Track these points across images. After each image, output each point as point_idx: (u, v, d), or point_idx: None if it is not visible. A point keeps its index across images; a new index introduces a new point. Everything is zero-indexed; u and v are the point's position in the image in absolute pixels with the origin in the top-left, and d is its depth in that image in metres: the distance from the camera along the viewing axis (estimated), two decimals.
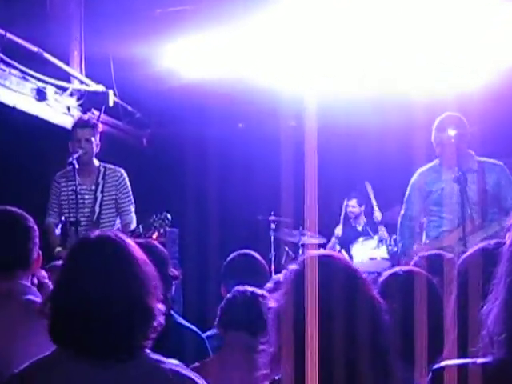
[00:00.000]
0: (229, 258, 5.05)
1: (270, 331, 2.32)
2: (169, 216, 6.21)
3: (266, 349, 2.33)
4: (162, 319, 2.45)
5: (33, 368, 2.42)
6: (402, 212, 6.84)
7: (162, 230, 6.24)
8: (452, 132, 6.43)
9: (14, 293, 3.21)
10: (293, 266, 2.34)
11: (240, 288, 3.88)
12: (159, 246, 4.38)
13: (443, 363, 1.74)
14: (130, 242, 2.51)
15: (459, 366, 1.66)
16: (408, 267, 3.11)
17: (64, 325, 2.39)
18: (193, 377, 2.43)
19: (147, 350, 2.43)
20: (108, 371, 2.34)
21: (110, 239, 2.49)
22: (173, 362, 2.44)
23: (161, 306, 2.45)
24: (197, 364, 3.63)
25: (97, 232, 2.60)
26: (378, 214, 9.79)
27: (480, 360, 1.62)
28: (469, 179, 6.37)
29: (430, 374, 1.79)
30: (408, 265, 3.76)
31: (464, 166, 6.41)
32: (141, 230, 6.28)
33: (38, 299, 3.21)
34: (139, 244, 3.81)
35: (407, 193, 6.81)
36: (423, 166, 6.75)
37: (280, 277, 4.32)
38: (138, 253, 2.49)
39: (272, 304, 2.33)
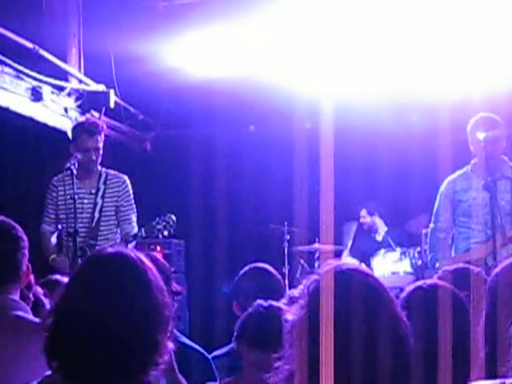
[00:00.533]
0: (241, 273, 5.03)
1: (286, 346, 2.30)
2: (173, 217, 6.19)
3: (281, 366, 2.31)
4: (167, 357, 2.41)
5: None
6: (432, 225, 6.74)
7: (165, 233, 6.22)
8: (481, 135, 6.29)
9: (3, 309, 3.18)
10: (313, 277, 2.32)
11: (263, 302, 3.80)
12: (160, 258, 4.38)
13: None
14: (148, 264, 2.45)
15: None
16: (433, 280, 3.10)
17: (60, 343, 2.35)
18: None
19: None
20: None
21: (126, 258, 2.43)
22: None
23: (170, 344, 2.40)
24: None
25: (113, 248, 2.54)
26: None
27: (509, 380, 1.61)
28: (500, 187, 6.27)
29: None
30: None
31: (496, 173, 6.30)
32: (143, 233, 6.29)
33: (28, 315, 3.19)
34: None
35: (436, 204, 6.71)
36: (452, 174, 6.66)
37: (295, 292, 4.30)
38: (155, 277, 2.42)
39: (289, 317, 2.31)
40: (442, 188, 6.66)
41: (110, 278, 2.39)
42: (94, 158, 6.49)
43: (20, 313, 3.17)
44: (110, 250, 2.49)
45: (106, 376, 2.31)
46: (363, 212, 9.99)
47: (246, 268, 5.02)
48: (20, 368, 2.85)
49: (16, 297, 3.28)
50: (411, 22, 8.24)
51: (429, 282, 2.96)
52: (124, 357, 2.31)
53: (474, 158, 6.51)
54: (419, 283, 2.85)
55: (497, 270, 2.50)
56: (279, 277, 5.04)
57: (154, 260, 4.07)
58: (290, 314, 2.31)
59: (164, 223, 6.16)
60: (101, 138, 6.59)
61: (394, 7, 8.07)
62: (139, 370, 2.34)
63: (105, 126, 6.95)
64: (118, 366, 2.31)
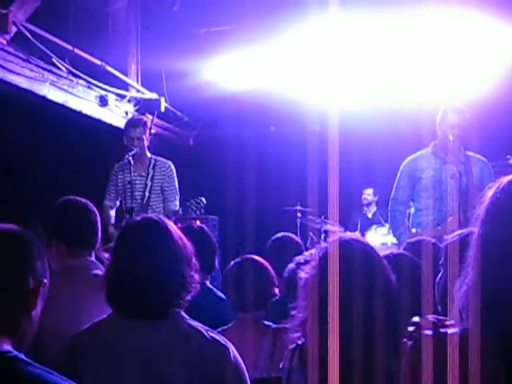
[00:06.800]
0: (272, 239, 5.04)
1: (300, 299, 2.35)
2: (203, 200, 6.15)
3: (296, 314, 2.36)
4: (197, 286, 2.50)
5: (92, 327, 2.53)
6: (392, 198, 6.00)
7: (197, 212, 6.21)
8: (451, 118, 5.73)
9: (84, 268, 3.27)
10: (323, 244, 2.37)
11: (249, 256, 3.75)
12: (212, 236, 4.42)
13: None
14: (168, 222, 2.56)
15: (435, 335, 1.67)
16: (398, 251, 3.17)
17: (115, 290, 2.48)
18: (221, 340, 2.47)
19: (185, 315, 2.49)
20: (152, 328, 2.42)
21: (152, 220, 2.56)
22: (206, 327, 2.49)
23: (196, 276, 2.50)
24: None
25: (142, 215, 2.67)
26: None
27: (451, 330, 1.64)
28: (462, 172, 5.61)
29: (412, 341, 1.78)
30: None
31: (457, 158, 5.67)
32: (180, 212, 6.32)
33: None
34: (193, 229, 3.90)
35: (396, 179, 6.01)
36: (413, 154, 6.03)
37: (301, 258, 4.31)
38: (175, 231, 2.54)
39: (303, 275, 2.35)
40: (403, 165, 5.99)
41: (141, 236, 2.51)
42: (137, 145, 6.38)
43: (97, 271, 3.24)
44: (142, 216, 2.63)
45: (152, 307, 2.44)
46: (370, 191, 9.98)
47: (278, 235, 5.05)
48: (94, 313, 2.90)
49: (92, 258, 3.36)
50: (401, 47, 8.31)
51: (395, 252, 3.01)
52: (162, 290, 2.43)
53: (435, 140, 5.88)
54: (387, 252, 2.87)
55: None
56: (301, 242, 5.10)
57: (204, 234, 4.20)
58: (304, 273, 2.36)
59: (196, 204, 6.14)
60: (143, 130, 6.47)
61: (385, 36, 8.14)
62: (175, 298, 2.46)
63: (148, 121, 6.87)
64: (159, 298, 2.43)
